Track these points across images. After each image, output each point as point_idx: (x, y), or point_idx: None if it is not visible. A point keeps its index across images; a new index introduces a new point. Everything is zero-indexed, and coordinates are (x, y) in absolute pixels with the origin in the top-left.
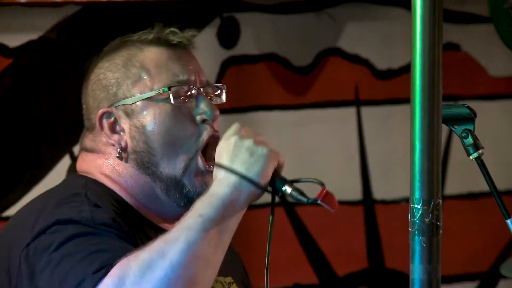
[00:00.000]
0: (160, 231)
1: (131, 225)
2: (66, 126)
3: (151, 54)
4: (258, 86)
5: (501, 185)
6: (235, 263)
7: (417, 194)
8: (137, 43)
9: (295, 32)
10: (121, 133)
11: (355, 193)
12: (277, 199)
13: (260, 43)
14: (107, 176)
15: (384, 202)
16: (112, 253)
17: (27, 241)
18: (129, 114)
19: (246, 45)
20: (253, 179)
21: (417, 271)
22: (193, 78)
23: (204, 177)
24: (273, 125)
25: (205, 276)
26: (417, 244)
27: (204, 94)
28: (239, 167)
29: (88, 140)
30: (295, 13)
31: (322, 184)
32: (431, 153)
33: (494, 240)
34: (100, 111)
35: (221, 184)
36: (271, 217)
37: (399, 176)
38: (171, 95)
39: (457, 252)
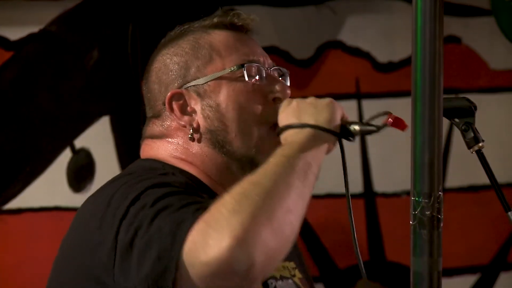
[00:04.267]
0: None
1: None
2: (67, 119)
3: (219, 36)
4: None
5: (501, 178)
6: (293, 248)
7: (418, 187)
8: (201, 27)
9: (296, 25)
10: (193, 115)
11: (356, 186)
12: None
13: (261, 36)
14: (181, 159)
15: (385, 195)
16: (207, 203)
17: (119, 217)
18: (201, 94)
19: None
20: (323, 126)
21: (418, 264)
22: (261, 59)
23: None
24: None
25: (298, 206)
26: (418, 237)
27: (272, 74)
28: (307, 119)
29: (154, 126)
30: (296, 6)
31: (387, 112)
32: (432, 146)
33: (494, 232)
34: (169, 93)
35: (295, 135)
36: (343, 163)
37: (400, 169)
38: (245, 73)
39: (458, 245)
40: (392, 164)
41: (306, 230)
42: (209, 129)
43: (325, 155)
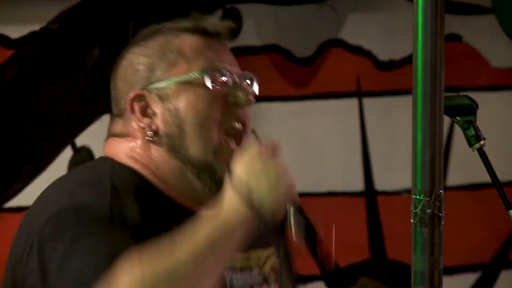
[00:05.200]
0: (190, 215)
1: (158, 213)
2: (68, 117)
3: (189, 41)
4: (260, 77)
5: (503, 176)
6: (270, 234)
7: (419, 185)
8: (173, 30)
9: (297, 23)
10: (153, 117)
11: (357, 184)
12: None
13: (262, 34)
14: (136, 160)
15: (386, 193)
16: (124, 251)
17: (41, 221)
18: (162, 97)
19: (248, 36)
20: (266, 219)
21: (419, 262)
22: (228, 66)
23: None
24: (274, 117)
25: None
26: (419, 235)
27: (238, 81)
28: (255, 199)
29: (117, 125)
30: (297, 4)
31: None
32: (433, 144)
33: (495, 231)
34: (132, 94)
35: (233, 211)
36: (280, 255)
37: (401, 167)
38: (206, 78)
39: (459, 243)
40: (393, 162)
41: (307, 228)
42: (167, 133)
43: None
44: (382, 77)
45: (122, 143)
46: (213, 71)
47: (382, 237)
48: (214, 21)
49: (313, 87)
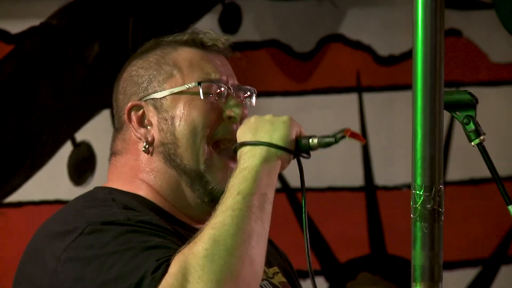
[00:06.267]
0: (190, 230)
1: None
2: (67, 113)
3: (185, 54)
4: (260, 73)
5: (502, 171)
6: (276, 254)
7: (419, 180)
8: (172, 43)
9: (297, 18)
10: (148, 127)
11: (357, 179)
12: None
13: (261, 29)
14: (135, 181)
15: (386, 188)
16: (162, 249)
17: (62, 246)
18: (158, 107)
19: (248, 32)
20: (277, 143)
21: (418, 257)
22: (224, 78)
23: (227, 173)
24: (274, 112)
25: (260, 250)
26: (419, 230)
27: (234, 94)
28: (262, 137)
29: (118, 141)
30: (297, 0)
31: (344, 129)
32: (433, 139)
33: (495, 226)
34: (130, 104)
35: (249, 157)
36: (301, 180)
37: (401, 162)
38: (200, 91)
39: (458, 238)
40: (393, 157)
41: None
42: (162, 142)
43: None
44: (382, 72)
45: (126, 162)
46: (207, 82)
47: (382, 232)
48: (211, 35)
49: (313, 82)
